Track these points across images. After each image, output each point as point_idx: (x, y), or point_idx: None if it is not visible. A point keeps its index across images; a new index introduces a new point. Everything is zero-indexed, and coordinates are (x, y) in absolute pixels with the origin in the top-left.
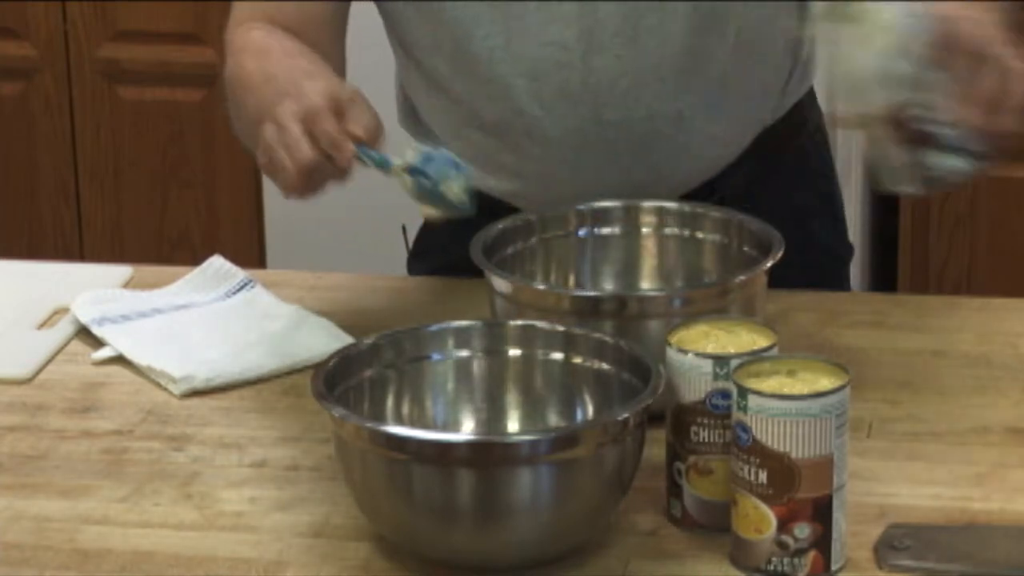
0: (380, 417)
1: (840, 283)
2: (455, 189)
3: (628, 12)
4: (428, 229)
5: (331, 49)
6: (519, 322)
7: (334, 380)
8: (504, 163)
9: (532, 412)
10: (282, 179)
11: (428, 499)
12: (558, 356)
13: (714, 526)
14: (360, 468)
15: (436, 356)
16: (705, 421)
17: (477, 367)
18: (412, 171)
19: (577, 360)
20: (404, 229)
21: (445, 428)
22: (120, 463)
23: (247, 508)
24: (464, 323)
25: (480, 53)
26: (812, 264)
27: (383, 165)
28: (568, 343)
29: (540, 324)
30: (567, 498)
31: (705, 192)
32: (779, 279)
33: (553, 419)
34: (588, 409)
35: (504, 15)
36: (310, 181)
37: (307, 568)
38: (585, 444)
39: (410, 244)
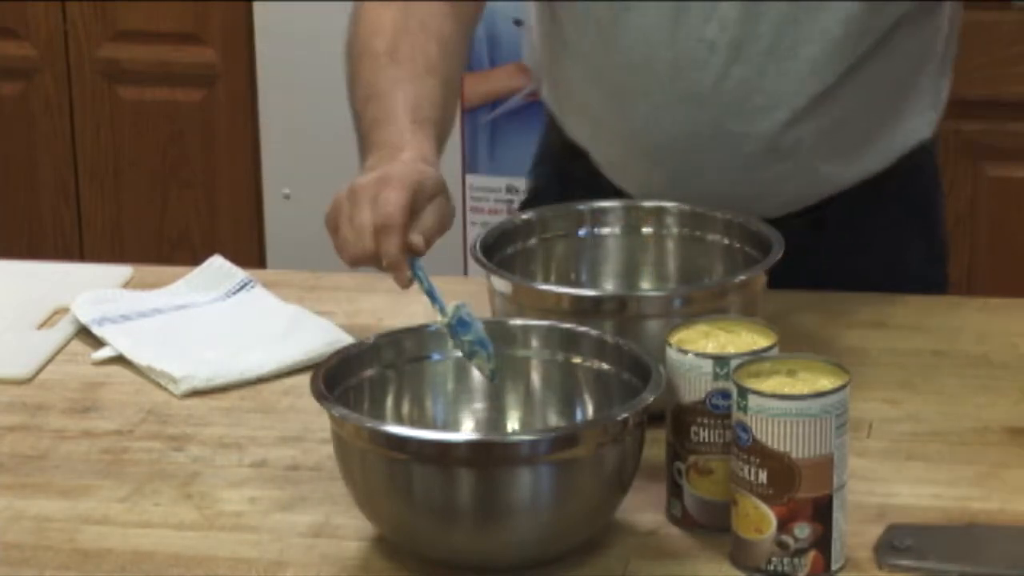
0: (380, 417)
1: None
2: (481, 364)
3: (787, 33)
4: None
5: None
6: (519, 322)
7: (334, 380)
8: (619, 131)
9: (532, 412)
10: (339, 246)
11: (428, 499)
12: (558, 356)
13: (714, 526)
14: (360, 468)
15: (436, 356)
16: (705, 421)
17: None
18: (451, 330)
19: (577, 360)
20: None
21: (445, 428)
22: (120, 463)
23: (247, 508)
24: None
25: (629, 28)
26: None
27: (430, 296)
28: (568, 343)
29: (540, 324)
30: (567, 498)
31: (812, 213)
32: None
33: (553, 419)
34: (588, 409)
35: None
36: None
37: (307, 568)
38: (585, 444)
39: None
